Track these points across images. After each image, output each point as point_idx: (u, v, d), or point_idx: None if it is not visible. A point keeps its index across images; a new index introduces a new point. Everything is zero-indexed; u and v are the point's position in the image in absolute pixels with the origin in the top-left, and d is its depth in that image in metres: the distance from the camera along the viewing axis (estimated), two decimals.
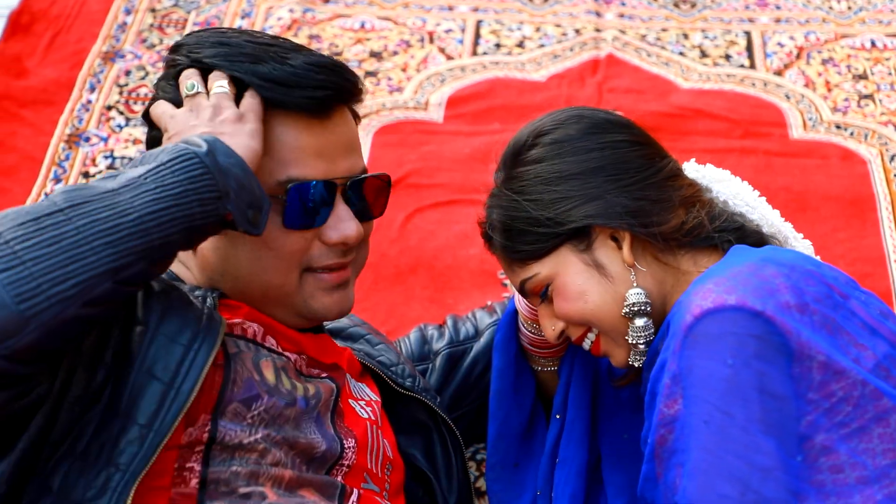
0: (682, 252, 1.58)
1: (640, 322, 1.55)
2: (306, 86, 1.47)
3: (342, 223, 1.52)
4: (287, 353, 1.52)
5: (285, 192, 1.47)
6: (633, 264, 1.55)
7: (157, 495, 1.33)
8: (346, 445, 1.51)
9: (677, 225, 1.57)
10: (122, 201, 1.26)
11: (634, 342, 1.56)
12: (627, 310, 1.55)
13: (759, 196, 1.69)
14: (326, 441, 1.48)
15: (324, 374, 1.56)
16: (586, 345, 1.63)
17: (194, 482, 1.35)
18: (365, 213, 1.57)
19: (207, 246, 1.51)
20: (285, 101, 1.47)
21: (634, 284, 1.55)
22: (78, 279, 1.21)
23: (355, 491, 1.47)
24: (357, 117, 1.61)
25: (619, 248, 1.56)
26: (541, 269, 1.59)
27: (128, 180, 1.29)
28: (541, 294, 1.61)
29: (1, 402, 1.24)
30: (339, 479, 1.48)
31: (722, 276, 1.43)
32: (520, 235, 1.59)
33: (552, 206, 1.57)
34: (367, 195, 1.57)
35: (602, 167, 1.58)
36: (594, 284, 1.56)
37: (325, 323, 1.67)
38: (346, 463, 1.50)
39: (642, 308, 1.54)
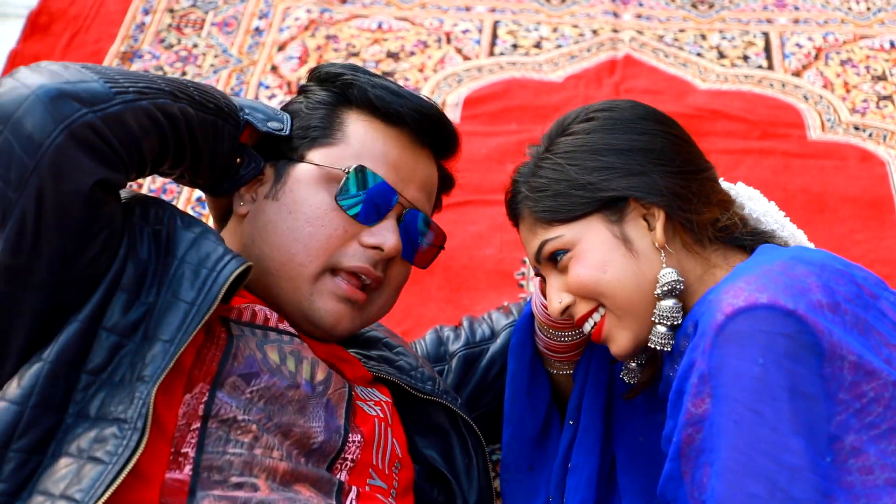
0: (714, 246, 1.58)
1: (668, 303, 1.53)
2: (413, 104, 1.60)
3: (385, 231, 1.57)
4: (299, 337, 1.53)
5: (350, 171, 1.55)
6: (664, 246, 1.55)
7: (149, 483, 1.34)
8: (349, 440, 1.50)
9: (712, 219, 1.57)
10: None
11: (659, 322, 1.54)
12: (667, 288, 1.53)
13: (785, 216, 1.70)
14: (327, 432, 1.47)
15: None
16: (588, 326, 1.60)
17: (188, 468, 1.36)
18: (409, 251, 1.63)
19: (256, 208, 1.59)
20: (388, 105, 1.59)
21: (664, 265, 1.54)
22: (147, 84, 1.43)
23: (354, 489, 1.47)
24: (439, 202, 1.74)
25: (650, 229, 1.56)
26: (566, 232, 1.58)
27: None
28: (555, 255, 1.59)
29: (102, 188, 1.37)
30: (342, 475, 1.48)
31: (752, 274, 1.43)
32: (554, 196, 1.59)
33: (595, 173, 1.57)
34: (419, 238, 1.64)
35: (650, 150, 1.58)
36: (618, 257, 1.55)
37: None
38: (350, 458, 1.50)
39: (675, 288, 1.53)
